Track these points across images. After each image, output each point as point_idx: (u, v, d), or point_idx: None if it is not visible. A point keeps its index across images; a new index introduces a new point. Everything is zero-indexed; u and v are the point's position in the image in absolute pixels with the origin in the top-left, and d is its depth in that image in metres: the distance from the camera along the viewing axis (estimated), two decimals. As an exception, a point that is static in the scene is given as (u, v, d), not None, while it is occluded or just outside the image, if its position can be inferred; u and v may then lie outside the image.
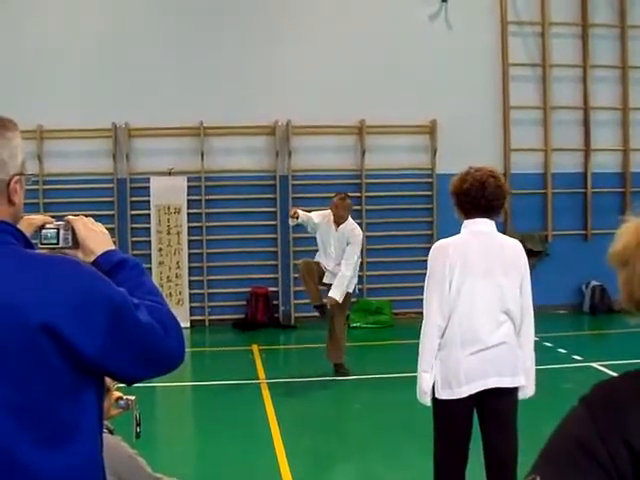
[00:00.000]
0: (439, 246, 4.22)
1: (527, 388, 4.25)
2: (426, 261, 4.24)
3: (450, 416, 4.19)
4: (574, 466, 1.32)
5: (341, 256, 8.98)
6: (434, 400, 4.18)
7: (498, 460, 4.23)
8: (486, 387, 4.11)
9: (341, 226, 9.03)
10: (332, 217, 9.08)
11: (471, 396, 4.12)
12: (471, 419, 4.23)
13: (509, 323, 4.16)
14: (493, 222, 4.23)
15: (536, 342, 4.35)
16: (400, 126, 13.19)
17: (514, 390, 4.20)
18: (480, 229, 4.19)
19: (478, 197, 4.14)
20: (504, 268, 4.15)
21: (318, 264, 9.22)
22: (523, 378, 4.19)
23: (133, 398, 2.95)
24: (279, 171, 13.17)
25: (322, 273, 9.16)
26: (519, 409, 4.27)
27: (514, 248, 4.25)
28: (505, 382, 4.15)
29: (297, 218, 9.14)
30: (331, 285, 8.99)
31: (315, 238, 9.36)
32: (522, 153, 13.52)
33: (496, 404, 4.18)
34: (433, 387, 4.17)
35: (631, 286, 1.42)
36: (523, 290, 4.20)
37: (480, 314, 4.10)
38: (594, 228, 13.39)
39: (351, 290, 9.21)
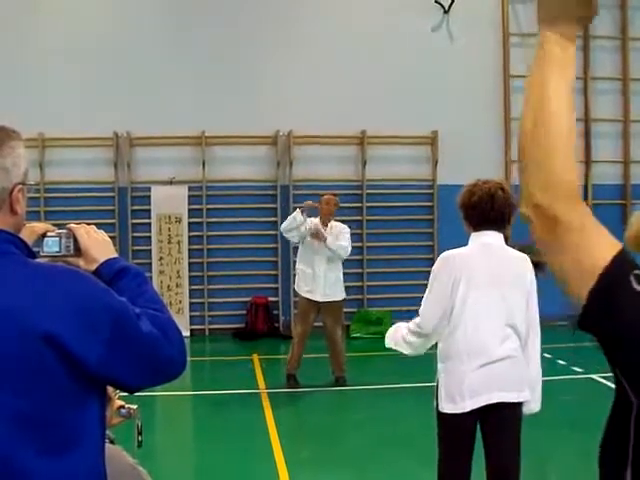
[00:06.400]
0: (445, 256, 4.17)
1: (532, 403, 4.20)
2: (427, 272, 4.21)
3: (454, 430, 4.15)
4: None
5: (331, 256, 8.99)
6: (438, 414, 4.17)
7: (500, 475, 4.21)
8: (490, 401, 4.07)
9: (328, 225, 9.04)
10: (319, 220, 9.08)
11: (475, 410, 4.09)
12: (474, 433, 4.19)
13: (515, 337, 4.11)
14: (501, 235, 4.18)
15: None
16: (401, 137, 13.21)
17: (518, 405, 4.15)
18: (488, 241, 4.15)
19: (487, 209, 4.10)
20: (510, 282, 4.11)
21: (309, 301, 9.08)
22: (528, 393, 4.16)
23: (135, 407, 2.94)
24: (280, 181, 13.19)
25: (317, 311, 9.11)
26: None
27: (521, 263, 4.17)
28: (510, 397, 4.09)
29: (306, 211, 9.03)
30: (328, 302, 9.00)
31: None
32: (523, 164, 13.52)
33: (500, 419, 4.14)
34: (437, 400, 4.15)
35: None
36: (529, 305, 4.16)
37: (485, 326, 4.06)
38: (594, 240, 13.38)
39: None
